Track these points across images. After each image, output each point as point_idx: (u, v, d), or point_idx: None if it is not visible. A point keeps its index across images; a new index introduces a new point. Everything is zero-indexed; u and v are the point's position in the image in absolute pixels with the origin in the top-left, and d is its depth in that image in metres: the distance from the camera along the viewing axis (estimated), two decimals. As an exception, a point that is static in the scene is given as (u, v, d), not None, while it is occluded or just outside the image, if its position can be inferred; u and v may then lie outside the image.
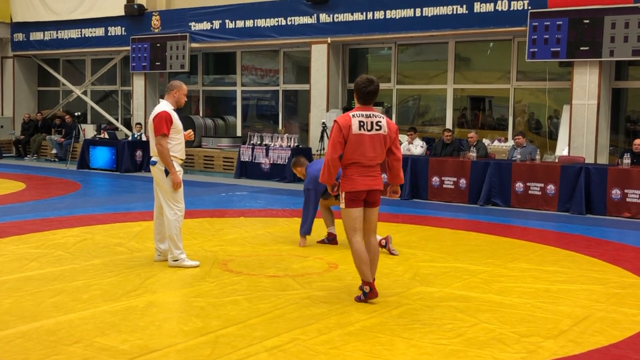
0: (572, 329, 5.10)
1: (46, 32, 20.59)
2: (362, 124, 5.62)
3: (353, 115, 5.66)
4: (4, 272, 6.49)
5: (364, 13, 14.96)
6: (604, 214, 10.95)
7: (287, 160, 14.81)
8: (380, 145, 5.70)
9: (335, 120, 5.71)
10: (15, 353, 4.37)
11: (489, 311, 5.50)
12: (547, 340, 4.82)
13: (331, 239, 8.17)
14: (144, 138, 17.37)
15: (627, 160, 11.04)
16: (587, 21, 12.30)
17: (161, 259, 7.04)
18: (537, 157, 11.95)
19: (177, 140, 6.87)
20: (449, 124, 14.98)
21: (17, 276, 6.34)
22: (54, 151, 19.96)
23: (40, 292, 5.82)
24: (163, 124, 6.70)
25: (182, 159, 6.96)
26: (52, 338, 4.65)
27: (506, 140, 14.17)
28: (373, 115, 5.71)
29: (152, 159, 6.88)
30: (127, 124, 20.01)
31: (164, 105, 6.86)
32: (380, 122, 5.70)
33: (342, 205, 5.70)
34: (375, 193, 5.76)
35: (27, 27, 20.97)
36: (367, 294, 5.65)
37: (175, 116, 6.85)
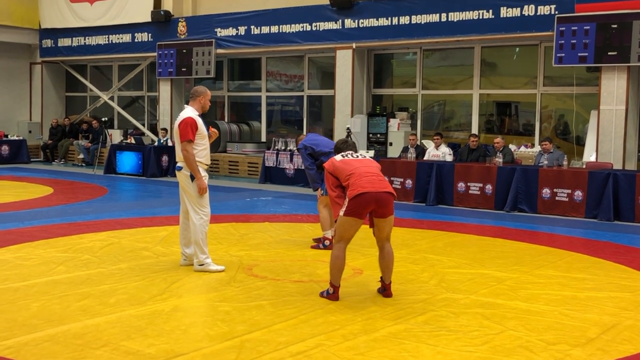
0: (600, 337, 5.03)
1: (74, 39, 20.83)
2: (344, 155, 6.14)
3: (335, 157, 6.19)
4: (32, 275, 6.57)
5: (389, 18, 14.95)
6: (632, 221, 10.81)
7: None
8: (370, 160, 6.12)
9: (323, 166, 6.29)
10: (43, 356, 4.41)
11: (516, 318, 5.45)
12: (574, 348, 4.77)
13: (328, 245, 8.04)
14: (169, 143, 17.49)
15: (656, 166, 10.89)
16: (615, 26, 12.18)
17: (187, 263, 7.08)
18: (564, 163, 11.84)
19: (203, 146, 6.90)
20: (474, 129, 14.90)
21: (44, 280, 6.41)
22: (81, 156, 20.17)
23: (67, 295, 5.87)
24: (189, 130, 6.74)
25: (207, 165, 7.00)
26: (79, 341, 4.69)
27: (533, 145, 14.06)
28: (355, 153, 6.26)
29: (178, 164, 6.92)
30: (154, 129, 20.16)
31: (189, 111, 6.90)
32: (364, 154, 6.32)
33: (341, 212, 5.79)
34: (387, 202, 5.79)
35: (55, 33, 21.23)
36: (331, 294, 5.91)
37: (200, 122, 6.88)
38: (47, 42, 21.55)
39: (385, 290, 6.05)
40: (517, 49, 15.19)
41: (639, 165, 12.91)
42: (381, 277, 6.10)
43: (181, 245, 7.13)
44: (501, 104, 15.78)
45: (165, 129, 18.12)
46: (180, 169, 6.89)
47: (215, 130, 7.34)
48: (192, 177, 6.81)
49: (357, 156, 6.15)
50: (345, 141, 6.50)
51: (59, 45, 21.26)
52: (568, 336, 5.03)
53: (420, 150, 13.93)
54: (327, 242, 8.16)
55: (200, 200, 6.87)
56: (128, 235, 8.84)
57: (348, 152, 6.22)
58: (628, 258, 7.96)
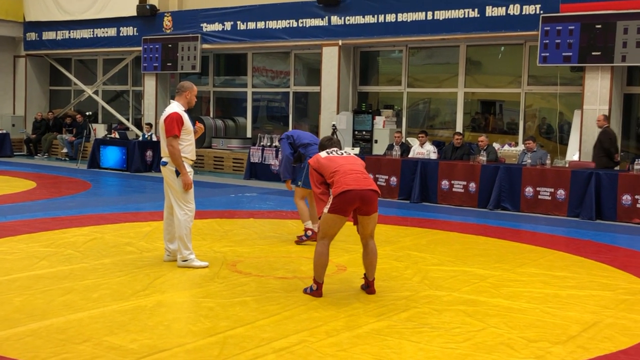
0: (580, 334, 5.08)
1: (58, 32, 20.70)
2: (329, 152, 6.14)
3: (320, 154, 6.19)
4: (14, 270, 6.53)
5: (376, 16, 14.97)
6: (614, 220, 10.91)
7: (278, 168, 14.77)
8: (354, 158, 6.14)
9: (308, 163, 6.30)
10: (26, 351, 4.39)
11: (498, 316, 5.49)
12: (555, 345, 4.81)
13: (310, 236, 8.21)
14: (154, 138, 17.43)
15: (638, 166, 11.00)
16: (599, 26, 12.27)
17: (170, 259, 7.07)
18: (548, 161, 11.92)
19: (188, 142, 6.89)
20: (459, 128, 14.96)
21: (27, 274, 6.38)
22: (65, 150, 20.05)
23: (50, 290, 5.85)
24: (174, 125, 6.72)
25: (192, 160, 6.99)
26: (61, 336, 4.68)
27: (516, 144, 14.14)
28: (339, 150, 6.27)
29: (163, 159, 6.91)
30: (138, 124, 20.08)
31: (175, 107, 6.89)
32: (348, 152, 6.38)
33: (326, 210, 5.81)
34: (371, 200, 5.82)
35: (40, 26, 21.08)
36: (313, 291, 5.92)
37: (186, 117, 6.87)
38: (32, 35, 21.39)
39: (368, 287, 6.08)
40: (502, 48, 15.27)
41: (622, 164, 13.02)
42: (365, 274, 6.12)
43: (165, 241, 7.12)
44: (486, 103, 15.86)
45: (150, 124, 18.05)
46: (165, 164, 6.88)
47: (202, 126, 7.33)
48: (177, 173, 6.80)
49: (342, 153, 6.15)
50: (330, 138, 6.52)
51: (43, 38, 21.11)
52: (549, 334, 5.08)
53: (405, 148, 13.98)
54: (309, 233, 8.25)
55: (185, 195, 6.86)
56: (111, 230, 8.81)
57: (333, 149, 6.23)
58: (609, 257, 8.04)
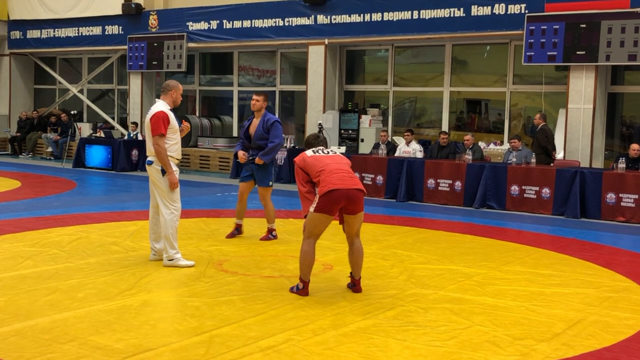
0: (565, 332, 5.12)
1: (43, 30, 20.57)
2: (315, 151, 6.13)
3: (306, 152, 6.15)
4: (-2, 270, 6.50)
5: (362, 15, 14.99)
6: (598, 218, 10.98)
7: (282, 161, 14.81)
8: (340, 157, 6.12)
9: (294, 160, 6.21)
10: (10, 351, 4.37)
11: (483, 314, 5.51)
12: (540, 343, 4.84)
13: (276, 235, 8.48)
14: (139, 137, 17.37)
15: (622, 164, 11.07)
16: (584, 26, 12.35)
17: (156, 258, 7.05)
18: (533, 160, 11.98)
19: (174, 140, 6.87)
20: (445, 127, 15.01)
21: (12, 274, 6.34)
22: (50, 149, 19.94)
23: (35, 290, 5.82)
24: (160, 124, 6.70)
25: (178, 159, 6.97)
26: (46, 336, 4.66)
27: (502, 143, 14.21)
28: (325, 149, 6.25)
29: (149, 158, 6.88)
30: (124, 123, 20.00)
31: (161, 105, 6.87)
32: (334, 150, 6.32)
33: (311, 209, 5.81)
34: (357, 199, 5.83)
35: (24, 25, 20.95)
36: (300, 290, 5.94)
37: (172, 116, 6.85)
38: (16, 34, 21.25)
39: (355, 285, 6.09)
40: (488, 47, 15.33)
41: (606, 163, 13.11)
42: (351, 273, 6.13)
43: (150, 240, 7.10)
44: (471, 102, 15.92)
45: (135, 123, 17.98)
46: (151, 163, 6.85)
47: (188, 124, 7.31)
48: (164, 172, 6.78)
49: (328, 152, 6.16)
50: (317, 136, 6.51)
51: (27, 37, 20.98)
52: (534, 331, 5.11)
53: (392, 147, 14.01)
54: (274, 233, 8.49)
55: (171, 194, 6.84)
56: (97, 229, 8.77)
57: (319, 147, 6.23)
58: (594, 255, 8.09)
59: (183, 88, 7.17)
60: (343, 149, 14.58)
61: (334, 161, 5.99)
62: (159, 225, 6.95)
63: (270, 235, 8.49)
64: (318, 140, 6.41)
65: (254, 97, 8.34)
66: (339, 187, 5.72)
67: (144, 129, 6.99)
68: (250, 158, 8.41)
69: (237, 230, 8.59)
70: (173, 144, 6.85)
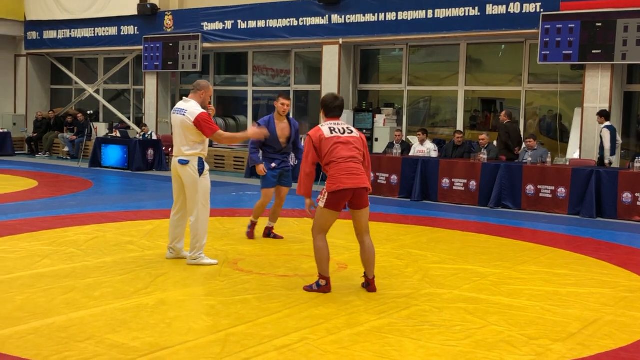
0: (581, 332, 5.10)
1: (59, 31, 20.71)
2: (332, 129, 5.95)
3: (322, 125, 6.01)
4: (16, 268, 6.55)
5: (376, 14, 14.98)
6: (614, 218, 10.92)
7: (297, 161, 14.79)
8: (356, 146, 5.96)
9: (307, 134, 6.03)
10: (28, 349, 4.41)
11: (498, 313, 5.50)
12: (555, 343, 4.83)
13: (267, 234, 8.55)
14: (154, 137, 17.45)
15: (638, 164, 11.01)
16: (600, 24, 12.27)
17: (173, 256, 7.08)
18: (548, 160, 11.93)
19: (202, 138, 6.85)
20: (459, 126, 14.97)
21: (29, 273, 6.40)
22: (66, 149, 20.08)
23: (52, 289, 5.87)
24: (211, 123, 6.73)
25: (205, 155, 6.94)
26: (63, 334, 4.70)
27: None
28: (342, 124, 6.05)
29: (181, 158, 6.77)
30: (139, 122, 20.08)
31: (196, 106, 6.77)
32: (350, 128, 6.08)
33: (321, 204, 5.86)
34: (362, 195, 5.88)
35: (41, 25, 21.10)
36: (321, 287, 5.95)
37: None
38: (33, 35, 21.41)
39: (369, 285, 6.09)
40: (503, 46, 15.28)
41: (622, 162, 13.03)
42: (365, 273, 6.13)
43: (170, 239, 7.08)
44: (486, 101, 15.86)
45: (146, 125, 18.09)
46: (186, 162, 6.74)
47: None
48: (200, 172, 6.75)
49: (344, 130, 5.99)
50: (335, 97, 6.17)
51: (44, 37, 21.13)
52: (549, 331, 5.09)
53: (406, 146, 13.99)
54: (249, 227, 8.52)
55: (206, 194, 6.87)
56: (113, 228, 8.83)
57: (336, 124, 6.01)
58: (609, 255, 8.05)
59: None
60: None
61: (347, 149, 5.88)
62: (179, 227, 6.98)
63: (271, 233, 8.57)
64: (336, 102, 6.11)
65: (285, 101, 8.14)
66: (348, 187, 5.75)
67: (174, 128, 6.96)
68: (279, 166, 8.28)
69: (271, 232, 8.61)
70: (203, 142, 6.85)
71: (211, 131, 6.71)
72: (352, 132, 6.04)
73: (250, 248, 7.90)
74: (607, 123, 11.91)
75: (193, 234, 6.85)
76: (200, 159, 6.78)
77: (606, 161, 11.82)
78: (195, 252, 6.88)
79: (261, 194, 8.45)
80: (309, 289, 6.02)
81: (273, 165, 8.22)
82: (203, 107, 6.90)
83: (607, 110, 12.10)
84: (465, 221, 10.52)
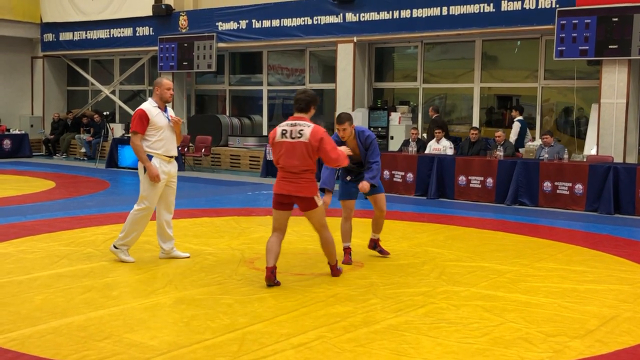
0: (599, 329, 5.07)
1: (75, 33, 20.83)
2: (284, 132, 6.09)
3: (280, 125, 6.19)
4: (35, 269, 6.61)
5: (390, 12, 14.95)
6: (632, 214, 10.84)
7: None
8: (302, 153, 6.02)
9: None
10: (47, 348, 4.45)
11: (515, 310, 5.48)
12: (573, 340, 4.81)
13: (373, 246, 7.50)
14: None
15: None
16: (616, 19, 12.18)
17: (165, 256, 7.15)
18: (565, 156, 11.86)
19: (157, 137, 6.88)
20: (475, 123, 14.91)
21: (48, 273, 6.45)
22: (83, 150, 20.21)
23: (70, 288, 5.91)
24: (137, 121, 6.85)
25: (167, 156, 6.95)
26: (82, 334, 4.73)
27: (534, 139, 14.07)
28: (298, 124, 6.08)
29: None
30: (155, 123, 20.15)
31: (145, 103, 7.00)
32: (302, 130, 6.04)
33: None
34: (300, 201, 6.20)
35: (57, 27, 21.24)
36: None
37: (154, 113, 6.87)
38: (49, 36, 21.55)
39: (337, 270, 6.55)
40: (518, 43, 15.19)
41: (639, 158, 12.92)
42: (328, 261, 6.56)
43: (158, 240, 7.19)
44: (502, 98, 15.78)
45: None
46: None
47: (178, 118, 7.13)
48: (145, 169, 6.87)
49: (295, 133, 6.00)
50: (301, 92, 6.25)
51: (60, 39, 21.26)
52: (567, 328, 5.07)
53: (422, 144, 13.95)
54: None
55: (145, 192, 6.89)
56: (130, 228, 8.86)
57: (288, 126, 6.06)
58: (627, 251, 8.00)
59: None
60: None
61: (292, 156, 6.04)
62: (163, 227, 7.09)
63: (377, 246, 7.46)
64: (298, 97, 6.21)
65: (340, 126, 7.05)
66: (278, 192, 6.19)
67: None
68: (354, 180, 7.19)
69: (350, 256, 7.23)
70: (156, 141, 6.88)
71: (130, 129, 6.95)
72: (301, 136, 5.99)
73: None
74: (520, 117, 13.19)
75: (126, 221, 6.96)
76: (149, 156, 6.94)
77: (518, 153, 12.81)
78: (117, 241, 6.97)
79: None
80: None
81: (348, 177, 7.29)
82: (164, 102, 7.01)
83: (519, 105, 12.12)
84: (482, 218, 10.48)
